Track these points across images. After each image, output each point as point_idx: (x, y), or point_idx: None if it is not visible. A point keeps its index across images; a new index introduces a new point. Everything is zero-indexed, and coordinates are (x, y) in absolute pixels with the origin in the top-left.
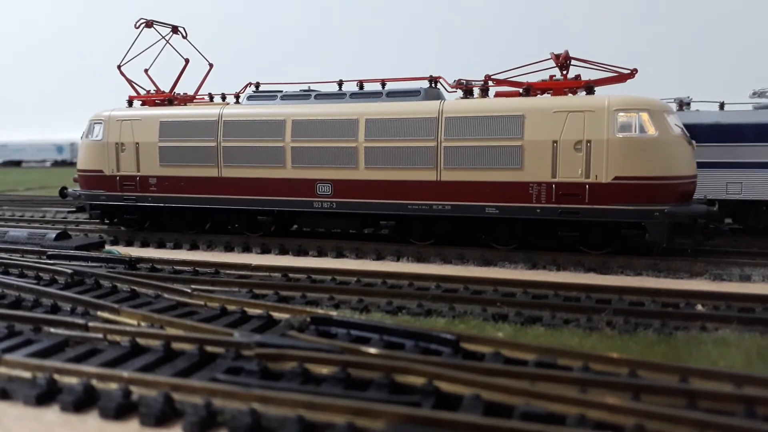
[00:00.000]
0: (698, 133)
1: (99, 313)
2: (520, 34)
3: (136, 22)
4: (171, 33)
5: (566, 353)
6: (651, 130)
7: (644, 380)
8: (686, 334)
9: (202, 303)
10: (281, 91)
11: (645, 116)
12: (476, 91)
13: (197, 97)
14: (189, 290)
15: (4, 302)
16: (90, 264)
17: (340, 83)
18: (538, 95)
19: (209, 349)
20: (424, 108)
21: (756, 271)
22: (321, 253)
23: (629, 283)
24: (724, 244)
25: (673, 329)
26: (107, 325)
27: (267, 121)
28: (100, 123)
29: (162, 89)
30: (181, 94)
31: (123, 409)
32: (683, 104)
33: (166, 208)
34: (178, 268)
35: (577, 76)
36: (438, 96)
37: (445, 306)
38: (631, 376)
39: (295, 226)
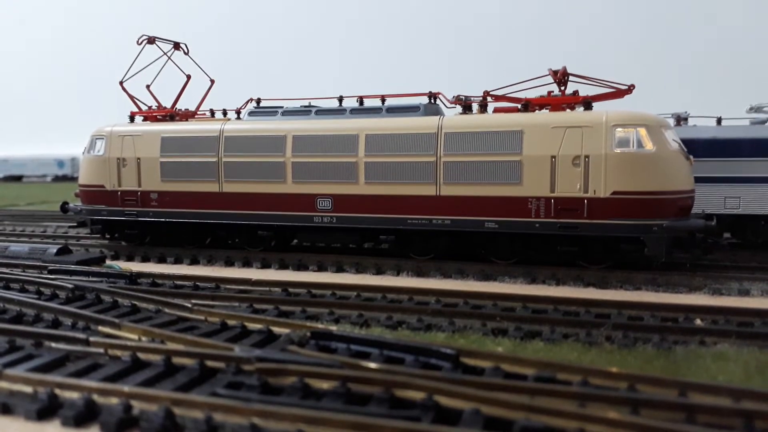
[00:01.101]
0: (696, 147)
1: (100, 327)
2: (519, 51)
3: (139, 39)
4: (173, 49)
5: (565, 368)
6: (649, 145)
7: (643, 395)
8: (685, 349)
9: (202, 318)
10: (282, 107)
11: (643, 131)
12: (475, 106)
13: (199, 112)
14: (189, 305)
15: (6, 317)
16: (91, 279)
17: (341, 99)
18: (537, 111)
19: (210, 363)
20: (424, 123)
21: (755, 286)
22: (321, 268)
23: (628, 297)
24: (723, 258)
25: (672, 343)
26: (108, 340)
27: (268, 137)
28: (102, 138)
29: (164, 105)
30: (183, 109)
31: (124, 424)
32: (681, 119)
33: (167, 223)
34: (178, 283)
35: (575, 92)
36: (437, 111)
37: (444, 320)
38: (630, 390)
39: (296, 241)
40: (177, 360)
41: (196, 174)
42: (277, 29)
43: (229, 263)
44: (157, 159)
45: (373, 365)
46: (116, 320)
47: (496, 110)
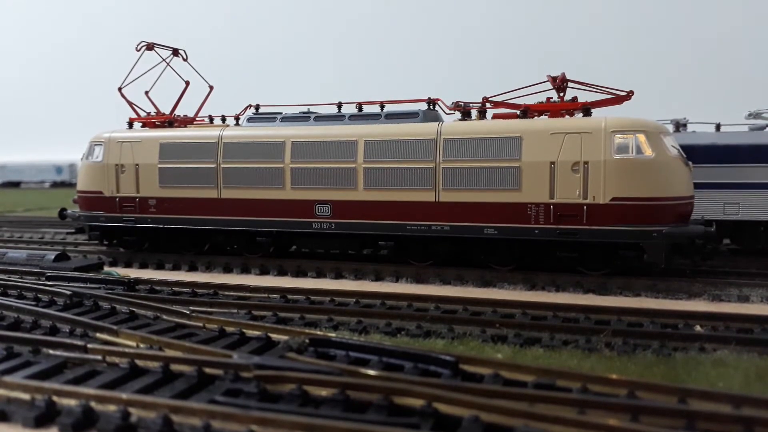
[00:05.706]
0: (695, 154)
1: (98, 334)
2: (518, 57)
3: (137, 45)
4: (171, 55)
5: (565, 374)
6: (648, 152)
7: (643, 401)
8: (685, 355)
9: (200, 324)
10: (281, 113)
11: (642, 138)
12: (474, 113)
13: (197, 118)
14: (188, 312)
15: (3, 324)
16: (89, 285)
17: (340, 105)
18: (536, 117)
19: (208, 370)
20: (423, 129)
21: (754, 292)
22: (320, 274)
23: (628, 303)
24: (723, 264)
25: (671, 350)
26: (106, 347)
27: (267, 143)
28: (101, 144)
29: (162, 111)
30: (182, 116)
31: (122, 431)
32: (680, 125)
33: (165, 230)
34: (176, 289)
35: (574, 98)
36: (436, 118)
37: (444, 327)
38: (630, 397)
39: (294, 247)
40: (175, 367)
41: (195, 180)
42: (276, 36)
43: (228, 270)
44: (156, 165)
45: (372, 372)
46: (114, 327)
47: (495, 116)
